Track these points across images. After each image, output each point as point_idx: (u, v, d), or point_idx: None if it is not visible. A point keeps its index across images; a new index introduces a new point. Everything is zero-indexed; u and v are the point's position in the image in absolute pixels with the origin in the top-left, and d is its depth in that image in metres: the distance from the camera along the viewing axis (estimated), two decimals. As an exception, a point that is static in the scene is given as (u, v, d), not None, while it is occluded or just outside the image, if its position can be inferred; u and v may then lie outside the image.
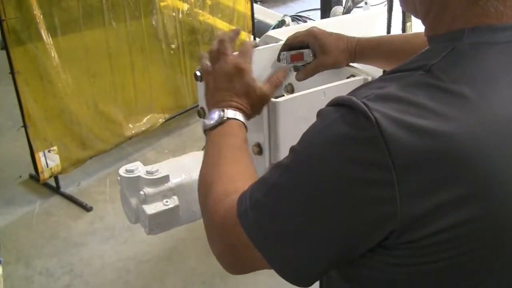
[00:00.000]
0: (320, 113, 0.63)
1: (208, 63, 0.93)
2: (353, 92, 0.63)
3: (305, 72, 1.10)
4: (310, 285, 0.66)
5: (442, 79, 0.59)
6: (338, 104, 0.61)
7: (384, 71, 1.05)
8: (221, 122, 0.85)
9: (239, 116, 0.87)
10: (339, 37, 1.09)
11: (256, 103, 0.90)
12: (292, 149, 0.65)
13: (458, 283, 0.62)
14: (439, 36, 0.65)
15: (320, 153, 0.61)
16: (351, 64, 1.12)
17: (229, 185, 0.76)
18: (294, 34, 1.12)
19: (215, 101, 0.89)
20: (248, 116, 0.90)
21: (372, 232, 0.60)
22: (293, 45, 1.11)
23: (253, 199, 0.66)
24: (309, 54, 1.09)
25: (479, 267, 0.61)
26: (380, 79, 0.65)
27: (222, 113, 0.86)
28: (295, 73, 1.12)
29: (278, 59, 1.12)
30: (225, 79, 0.89)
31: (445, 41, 0.63)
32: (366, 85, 0.65)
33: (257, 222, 0.65)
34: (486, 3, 0.61)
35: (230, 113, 0.86)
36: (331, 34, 1.09)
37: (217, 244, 0.74)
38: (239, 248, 0.68)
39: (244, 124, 0.87)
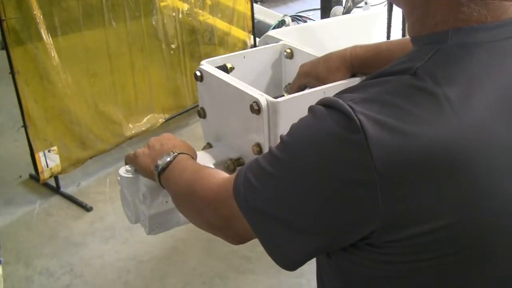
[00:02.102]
0: (311, 109, 0.64)
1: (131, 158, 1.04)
2: (340, 94, 0.64)
3: None
4: (294, 269, 0.69)
5: (427, 81, 0.59)
6: (326, 105, 0.62)
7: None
8: (174, 157, 0.93)
9: (186, 152, 0.96)
10: (327, 58, 1.06)
11: (193, 151, 1.00)
12: (282, 139, 0.67)
13: (443, 282, 0.63)
14: (423, 37, 0.65)
15: (306, 149, 0.62)
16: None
17: (209, 171, 0.84)
18: (290, 84, 1.12)
19: (161, 154, 0.95)
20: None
21: (351, 230, 0.62)
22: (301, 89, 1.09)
23: (246, 177, 0.69)
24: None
25: (464, 269, 0.62)
26: (366, 82, 0.65)
27: (171, 153, 0.94)
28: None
29: None
30: (159, 141, 1.00)
31: (429, 42, 0.63)
32: (353, 87, 0.65)
33: (247, 199, 0.68)
34: (469, 10, 0.61)
35: (179, 151, 0.94)
36: (318, 61, 1.07)
37: (213, 219, 0.79)
38: (235, 219, 0.71)
39: (189, 155, 0.95)
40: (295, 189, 0.63)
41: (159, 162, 0.93)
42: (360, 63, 1.05)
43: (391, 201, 0.57)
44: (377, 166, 0.56)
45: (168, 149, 0.95)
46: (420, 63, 0.61)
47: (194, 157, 0.99)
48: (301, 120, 0.66)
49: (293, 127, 0.66)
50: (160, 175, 0.93)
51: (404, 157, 0.56)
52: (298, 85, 1.10)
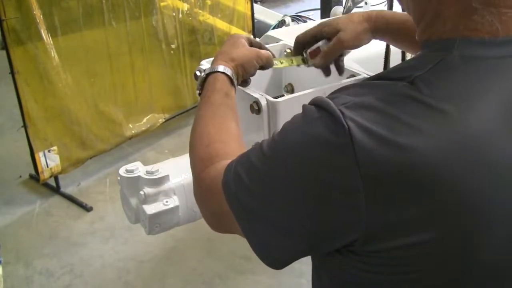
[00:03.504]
0: (303, 109, 0.64)
1: None
2: (334, 95, 0.63)
3: (325, 55, 1.01)
4: (279, 268, 0.68)
5: (424, 92, 0.58)
6: (318, 105, 0.61)
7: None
8: (206, 76, 0.89)
9: (221, 68, 0.90)
10: (350, 13, 1.03)
11: (246, 60, 0.93)
12: (273, 137, 0.66)
13: None
14: (430, 43, 0.64)
15: (294, 150, 0.62)
16: (350, 64, 1.11)
17: (210, 148, 0.79)
18: (303, 32, 1.06)
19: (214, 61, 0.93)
20: (237, 74, 0.92)
21: (333, 236, 0.61)
22: (307, 42, 1.04)
23: (236, 173, 0.68)
24: (326, 43, 1.01)
25: (445, 282, 0.61)
26: (363, 84, 0.64)
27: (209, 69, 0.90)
28: (295, 75, 1.10)
29: (304, 62, 1.05)
30: (220, 50, 0.95)
31: (435, 50, 0.62)
32: (348, 87, 0.65)
33: (237, 195, 0.67)
34: (481, 20, 0.59)
35: (219, 68, 0.90)
36: (340, 16, 1.04)
37: (204, 208, 0.78)
38: (223, 214, 0.70)
39: (230, 78, 0.90)
40: (280, 190, 0.63)
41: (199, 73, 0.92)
42: (385, 24, 1.00)
43: (375, 211, 0.57)
44: (362, 173, 0.56)
45: (214, 62, 0.92)
46: (420, 72, 0.59)
47: (247, 68, 0.94)
48: (293, 118, 0.65)
49: (285, 126, 0.66)
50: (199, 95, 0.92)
51: (390, 168, 0.55)
52: (313, 33, 1.04)
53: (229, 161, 0.71)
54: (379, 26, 1.00)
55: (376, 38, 1.03)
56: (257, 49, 0.96)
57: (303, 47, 1.05)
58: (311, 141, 0.60)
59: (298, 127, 0.63)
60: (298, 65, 1.05)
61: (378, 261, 0.61)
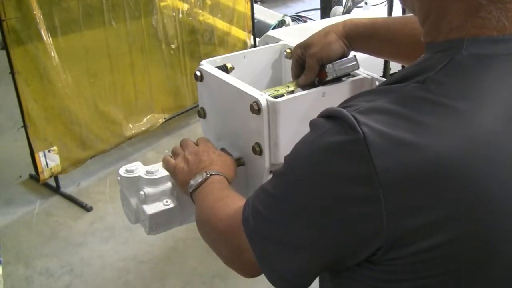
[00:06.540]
0: (312, 124, 0.63)
1: (172, 159, 1.01)
2: (345, 103, 0.63)
3: (305, 72, 1.03)
4: None
5: (436, 92, 0.57)
6: (329, 116, 0.61)
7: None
8: (206, 178, 0.92)
9: (220, 172, 0.94)
10: (320, 30, 1.04)
11: (229, 165, 0.99)
12: (285, 159, 0.66)
13: None
14: (437, 44, 0.63)
15: (308, 167, 0.61)
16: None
17: (225, 200, 0.83)
18: (291, 68, 1.08)
19: (196, 172, 0.95)
20: (227, 177, 0.96)
21: (357, 248, 0.60)
22: (300, 71, 1.05)
23: (254, 206, 0.68)
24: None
25: (463, 286, 0.60)
26: (372, 90, 0.64)
27: (204, 173, 0.93)
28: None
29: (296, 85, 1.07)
30: (198, 156, 0.98)
31: (443, 50, 0.61)
32: (359, 95, 0.64)
33: (256, 228, 0.67)
34: (488, 16, 0.58)
35: (212, 171, 0.93)
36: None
37: (224, 251, 0.78)
38: (243, 250, 0.69)
39: (225, 177, 0.93)
40: (297, 209, 0.62)
41: (192, 182, 0.93)
42: (354, 27, 1.01)
43: (396, 216, 0.56)
44: (381, 179, 0.55)
45: (204, 167, 0.94)
46: (431, 73, 0.59)
47: (229, 172, 0.97)
48: (303, 137, 0.64)
49: (295, 146, 0.65)
50: (192, 194, 0.93)
51: (409, 170, 0.55)
52: (296, 63, 1.05)
53: (243, 203, 0.72)
54: (348, 31, 1.01)
55: (354, 49, 1.02)
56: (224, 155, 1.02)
57: (298, 76, 1.06)
58: (324, 153, 0.59)
59: (310, 142, 0.62)
60: (293, 90, 1.07)
61: (397, 269, 0.59)
